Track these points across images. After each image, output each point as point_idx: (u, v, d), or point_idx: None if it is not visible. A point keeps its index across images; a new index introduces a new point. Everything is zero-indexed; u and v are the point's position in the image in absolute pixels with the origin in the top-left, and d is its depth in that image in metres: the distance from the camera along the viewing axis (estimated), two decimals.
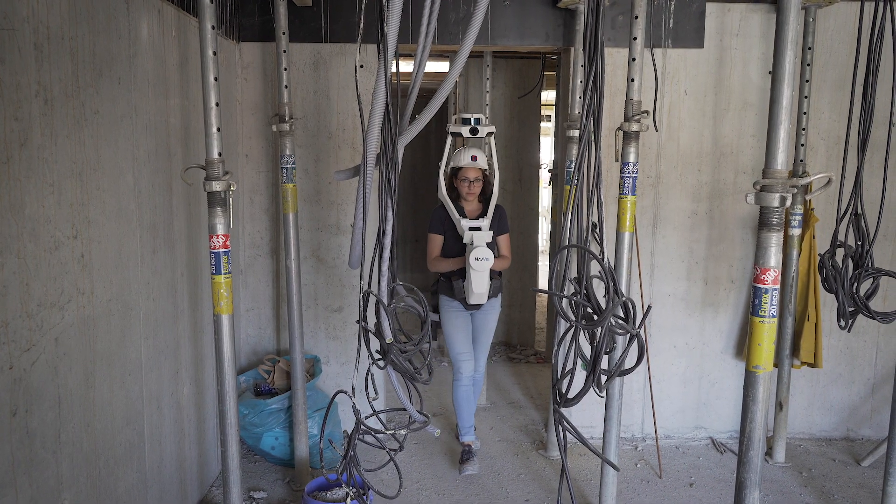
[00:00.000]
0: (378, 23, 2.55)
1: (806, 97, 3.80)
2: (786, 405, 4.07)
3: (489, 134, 3.72)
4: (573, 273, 2.48)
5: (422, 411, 2.72)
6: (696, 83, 4.04)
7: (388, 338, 2.52)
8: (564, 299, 2.19)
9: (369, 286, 2.64)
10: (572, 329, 2.28)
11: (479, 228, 3.60)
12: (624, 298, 2.13)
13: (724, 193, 4.15)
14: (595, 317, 2.14)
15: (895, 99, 2.78)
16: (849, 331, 2.96)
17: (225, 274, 2.56)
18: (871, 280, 2.83)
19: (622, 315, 2.17)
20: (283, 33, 3.41)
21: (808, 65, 3.78)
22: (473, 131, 3.63)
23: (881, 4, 2.68)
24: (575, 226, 2.23)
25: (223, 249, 2.54)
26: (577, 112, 3.87)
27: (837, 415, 4.38)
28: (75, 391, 2.31)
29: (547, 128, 8.23)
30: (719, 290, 4.25)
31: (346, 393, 2.73)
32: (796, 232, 3.86)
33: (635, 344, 2.24)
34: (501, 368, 5.69)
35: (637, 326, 2.24)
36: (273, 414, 3.83)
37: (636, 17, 2.89)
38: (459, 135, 3.64)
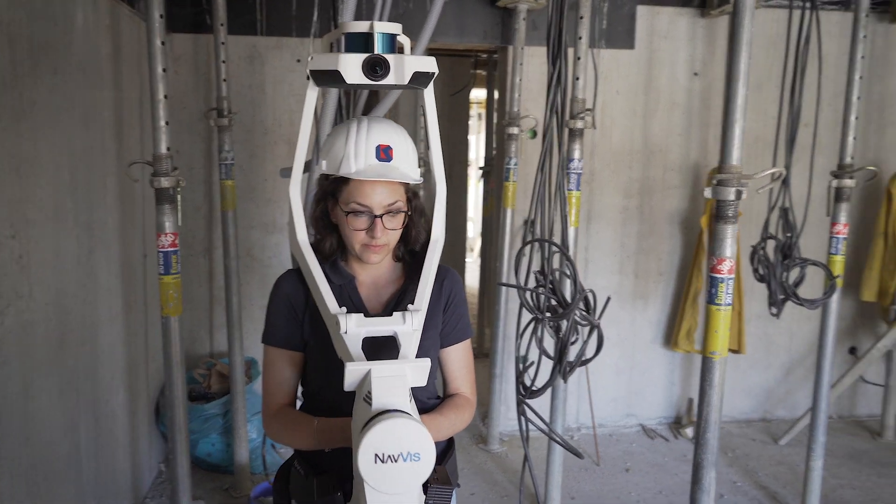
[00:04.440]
0: (331, 17, 2.51)
1: None
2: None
3: (416, 81, 1.47)
4: (524, 268, 2.53)
5: None
6: (627, 83, 4.19)
7: None
8: (527, 292, 2.23)
9: None
10: (534, 322, 2.32)
11: (391, 341, 1.41)
12: (587, 291, 2.19)
13: (654, 190, 4.32)
14: (559, 309, 2.19)
15: (820, 100, 2.98)
16: (777, 317, 3.15)
17: (174, 274, 2.45)
18: (799, 269, 3.02)
19: (584, 307, 2.23)
20: (222, 25, 3.30)
21: None
22: (376, 68, 1.40)
23: (807, 12, 2.86)
24: (539, 221, 2.27)
25: (172, 248, 2.43)
26: (515, 110, 3.93)
27: (756, 398, 4.64)
28: (14, 403, 2.16)
29: (473, 126, 8.31)
30: (649, 282, 4.42)
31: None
32: None
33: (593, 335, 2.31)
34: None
35: (598, 318, 2.30)
36: (210, 419, 3.70)
37: (581, 17, 2.96)
38: (339, 83, 1.42)
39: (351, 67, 1.38)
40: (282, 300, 1.61)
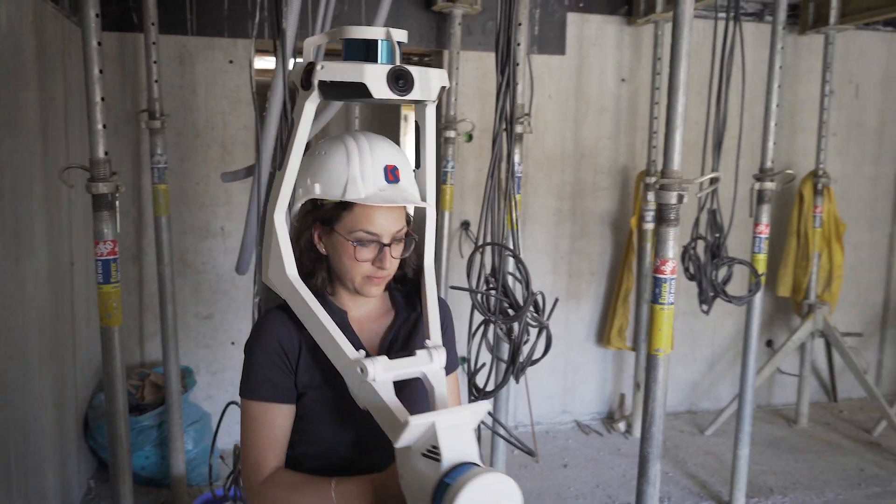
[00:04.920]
0: (274, 18, 2.47)
1: (656, 103, 4.16)
2: (643, 385, 4.44)
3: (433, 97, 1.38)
4: (476, 271, 2.57)
5: None
6: (559, 88, 4.30)
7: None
8: (479, 295, 2.27)
9: (257, 291, 2.55)
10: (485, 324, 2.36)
11: (412, 382, 1.39)
12: (537, 294, 2.25)
13: (585, 192, 4.44)
14: (510, 311, 2.24)
15: (744, 107, 3.15)
16: (708, 314, 3.31)
17: (114, 283, 2.36)
18: (727, 268, 3.18)
19: (533, 309, 2.29)
20: (153, 24, 3.20)
21: (658, 73, 4.15)
22: (400, 82, 1.26)
23: (731, 23, 3.02)
24: (489, 225, 2.31)
25: (111, 256, 2.34)
26: (451, 114, 3.96)
27: (683, 391, 4.84)
28: None
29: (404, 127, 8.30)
30: (581, 282, 4.55)
31: (237, 404, 2.63)
32: (650, 227, 4.24)
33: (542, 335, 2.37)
34: None
35: (546, 319, 2.36)
36: (144, 432, 3.58)
37: (519, 24, 3.02)
38: (359, 97, 1.28)
39: (378, 80, 1.22)
40: (269, 346, 1.37)
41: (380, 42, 1.29)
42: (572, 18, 4.25)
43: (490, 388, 2.37)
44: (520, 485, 3.62)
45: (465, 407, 1.17)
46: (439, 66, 4.24)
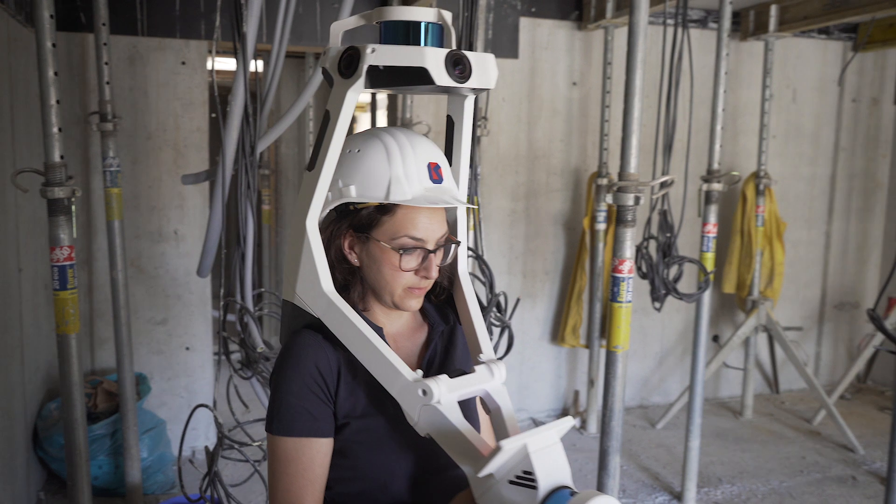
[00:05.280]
0: (233, 20, 2.46)
1: (607, 107, 4.27)
2: (596, 381, 4.55)
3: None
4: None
5: None
6: (512, 91, 4.37)
7: (260, 347, 2.45)
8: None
9: (225, 294, 2.54)
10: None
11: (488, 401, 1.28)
12: (499, 294, 2.29)
13: (539, 193, 4.53)
14: None
15: (692, 111, 3.27)
16: (660, 311, 3.42)
17: (71, 289, 2.31)
18: (677, 266, 3.30)
19: (496, 309, 2.34)
20: (104, 24, 3.13)
21: (609, 78, 4.26)
22: (461, 67, 1.13)
23: (679, 30, 3.13)
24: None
25: (68, 262, 2.29)
26: (407, 116, 3.99)
27: (634, 386, 4.97)
28: None
29: (355, 129, 8.28)
30: (536, 281, 4.63)
31: (207, 406, 2.61)
32: (602, 227, 4.34)
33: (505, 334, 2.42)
34: None
35: (509, 318, 2.42)
36: (98, 441, 3.49)
37: (476, 28, 3.07)
38: (416, 83, 1.13)
39: (439, 65, 1.09)
40: (306, 371, 1.21)
41: (425, 25, 1.16)
42: (525, 23, 4.32)
43: None
44: None
45: (550, 426, 1.08)
46: None
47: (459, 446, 1.10)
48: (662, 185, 2.39)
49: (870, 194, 5.34)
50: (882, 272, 5.34)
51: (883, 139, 5.32)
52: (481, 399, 1.26)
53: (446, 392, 1.12)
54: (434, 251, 1.24)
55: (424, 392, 1.11)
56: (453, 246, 1.28)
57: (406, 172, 1.20)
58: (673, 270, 3.30)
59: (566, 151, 4.54)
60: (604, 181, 4.27)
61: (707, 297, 3.48)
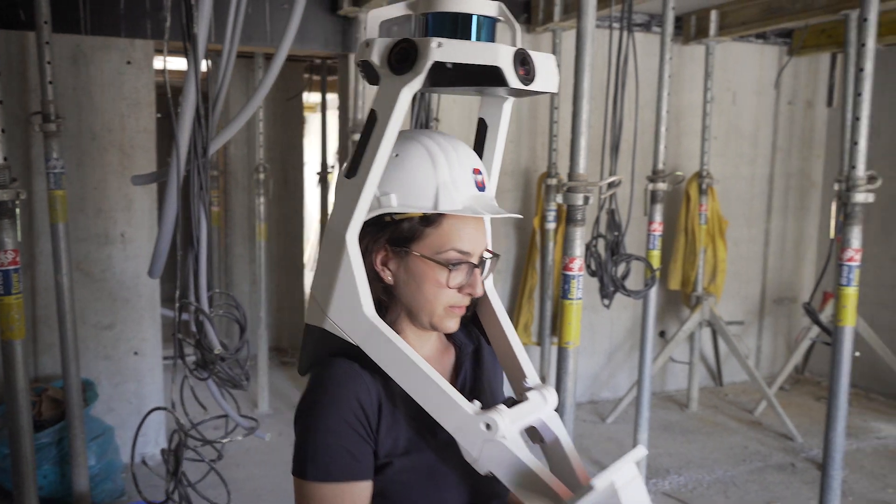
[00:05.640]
0: (183, 20, 2.43)
1: (556, 108, 4.35)
2: (547, 378, 4.63)
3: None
4: None
5: (246, 415, 2.66)
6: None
7: (217, 349, 2.43)
8: None
9: (180, 296, 2.51)
10: None
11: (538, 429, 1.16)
12: None
13: None
14: None
15: (638, 113, 3.37)
16: (609, 308, 3.50)
17: (16, 294, 2.26)
18: (625, 264, 3.39)
19: None
20: (46, 22, 3.06)
21: None
22: (528, 68, 1.04)
23: (625, 32, 3.22)
24: None
25: (13, 266, 2.24)
26: (359, 117, 4.00)
27: (584, 382, 5.08)
28: None
29: (307, 130, 8.21)
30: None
31: (165, 409, 2.58)
32: (552, 226, 4.43)
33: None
34: (278, 374, 5.62)
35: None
36: (43, 449, 3.40)
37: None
38: (482, 83, 1.02)
39: (509, 65, 0.99)
40: (347, 407, 1.07)
41: (477, 18, 1.04)
42: None
43: None
44: None
45: (626, 458, 1.04)
46: (345, 70, 4.27)
47: (531, 485, 1.00)
48: (610, 185, 2.46)
49: (805, 193, 5.57)
50: (817, 268, 5.57)
51: (817, 140, 5.55)
52: (533, 429, 1.12)
53: (510, 424, 1.00)
54: (478, 265, 1.13)
55: (488, 426, 1.00)
56: (491, 259, 1.18)
57: (453, 179, 1.09)
58: (621, 268, 3.39)
59: (516, 152, 4.61)
60: (553, 181, 4.36)
61: (653, 293, 3.59)
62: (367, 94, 4.04)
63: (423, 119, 2.37)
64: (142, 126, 3.78)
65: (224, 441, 2.41)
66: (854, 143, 2.48)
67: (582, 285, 2.38)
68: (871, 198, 2.56)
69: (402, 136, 1.12)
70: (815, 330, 4.77)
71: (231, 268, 5.93)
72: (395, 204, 1.08)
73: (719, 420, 4.84)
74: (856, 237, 2.58)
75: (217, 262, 5.84)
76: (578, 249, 2.34)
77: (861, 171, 2.52)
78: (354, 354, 1.08)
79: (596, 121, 4.07)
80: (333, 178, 5.57)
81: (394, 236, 1.11)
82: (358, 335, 1.06)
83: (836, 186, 2.85)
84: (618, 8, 3.38)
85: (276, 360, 5.94)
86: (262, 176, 4.68)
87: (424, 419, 1.07)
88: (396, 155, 1.09)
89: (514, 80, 1.00)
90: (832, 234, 3.05)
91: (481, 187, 1.13)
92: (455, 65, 0.97)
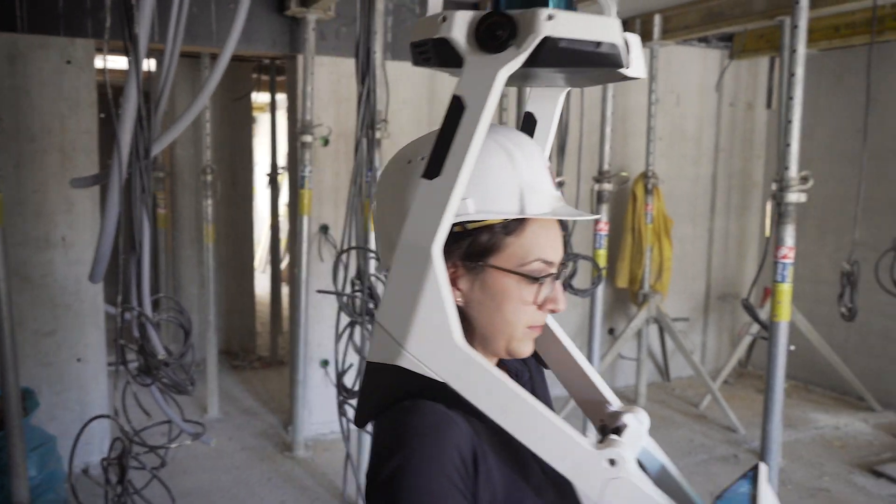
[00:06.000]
0: (123, 19, 2.39)
1: (504, 109, 4.39)
2: None
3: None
4: (341, 275, 2.63)
5: (191, 420, 2.63)
6: (413, 93, 4.43)
7: (160, 354, 2.40)
8: (345, 297, 2.33)
9: (122, 300, 2.47)
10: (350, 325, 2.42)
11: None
12: None
13: None
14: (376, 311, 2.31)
15: (583, 114, 3.43)
16: None
17: None
18: (572, 263, 3.45)
19: None
20: None
21: None
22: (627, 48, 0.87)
23: None
24: (353, 229, 2.38)
25: None
26: (307, 118, 3.98)
27: None
28: None
29: (257, 130, 8.10)
30: None
31: (108, 416, 2.54)
32: None
33: None
34: (227, 377, 5.54)
35: None
36: None
37: (375, 32, 3.11)
38: (585, 63, 0.85)
39: (623, 44, 0.84)
40: (449, 463, 0.87)
41: None
42: None
43: (358, 388, 2.44)
44: None
45: (762, 480, 0.94)
46: (293, 71, 4.24)
47: None
48: (557, 185, 2.50)
49: (747, 192, 5.74)
50: (759, 265, 5.75)
51: (757, 141, 5.73)
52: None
53: (631, 460, 0.87)
54: (559, 276, 0.98)
55: (612, 462, 0.86)
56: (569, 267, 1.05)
57: (534, 178, 0.94)
58: (569, 268, 3.44)
59: None
60: None
61: (601, 291, 3.66)
62: (315, 95, 4.02)
63: (368, 120, 2.37)
64: (83, 127, 3.70)
65: (168, 447, 2.38)
66: (787, 144, 2.57)
67: None
68: (803, 198, 2.66)
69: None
70: (757, 325, 4.93)
71: (179, 270, 5.83)
72: (472, 210, 0.91)
73: (666, 414, 4.95)
74: (789, 235, 2.67)
75: (164, 265, 5.73)
76: None
77: (794, 171, 2.61)
78: (434, 395, 0.89)
79: None
80: (284, 180, 5.53)
81: (469, 249, 0.93)
82: (447, 370, 0.87)
83: (773, 186, 2.95)
84: None
85: (227, 364, 5.86)
86: (209, 177, 4.61)
87: (517, 463, 0.94)
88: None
89: (629, 64, 0.85)
90: (766, 232, 3.16)
91: (557, 187, 0.99)
92: (577, 43, 0.81)
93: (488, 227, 0.93)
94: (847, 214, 4.55)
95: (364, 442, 3.44)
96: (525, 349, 0.99)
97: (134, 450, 2.43)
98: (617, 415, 0.99)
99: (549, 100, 1.05)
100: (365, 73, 2.24)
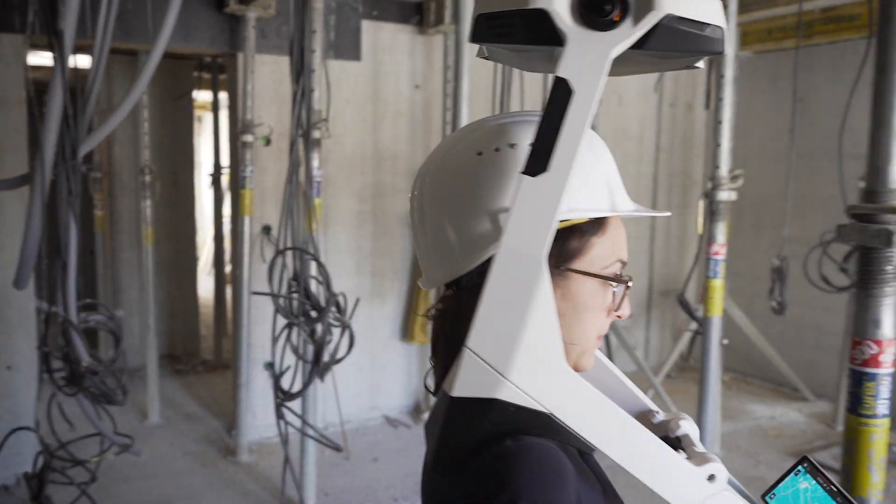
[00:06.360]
0: (48, 14, 2.32)
1: (448, 109, 4.40)
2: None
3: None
4: (277, 276, 2.60)
5: (125, 434, 2.57)
6: (356, 93, 4.40)
7: (85, 361, 2.33)
8: (281, 299, 2.30)
9: (47, 305, 2.40)
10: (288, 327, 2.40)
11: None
12: (338, 295, 2.32)
13: (385, 193, 4.60)
14: (313, 313, 2.30)
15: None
16: None
17: None
18: None
19: (336, 309, 2.37)
20: None
21: (449, 81, 4.39)
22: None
23: None
24: (290, 230, 2.35)
25: None
26: (248, 118, 3.92)
27: None
28: None
29: (198, 129, 7.95)
30: (385, 281, 4.70)
31: (30, 429, 2.46)
32: None
33: (344, 335, 2.46)
34: (170, 382, 5.43)
35: (349, 318, 2.46)
36: None
37: (314, 31, 3.08)
38: (689, 49, 0.74)
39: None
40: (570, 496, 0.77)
41: None
42: (367, 26, 4.37)
43: (296, 389, 2.41)
44: (332, 482, 3.72)
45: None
46: (234, 69, 4.17)
47: None
48: None
49: (687, 191, 5.87)
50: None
51: (697, 141, 5.86)
52: None
53: (724, 470, 0.82)
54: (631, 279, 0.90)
55: (711, 477, 0.81)
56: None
57: (616, 173, 0.88)
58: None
59: (411, 152, 4.64)
60: None
61: None
62: (256, 94, 3.96)
63: (304, 121, 2.34)
64: (11, 126, 3.57)
65: (90, 461, 2.31)
66: (717, 144, 2.64)
67: None
68: (734, 196, 2.73)
69: (521, 121, 0.86)
70: None
71: (118, 274, 5.68)
72: (565, 208, 0.80)
73: None
74: (721, 232, 2.74)
75: (102, 268, 5.58)
76: None
77: (724, 170, 2.68)
78: (528, 428, 0.78)
79: None
80: (226, 180, 5.45)
81: (555, 253, 0.81)
82: (553, 398, 0.78)
83: (709, 185, 3.02)
84: None
85: (169, 368, 5.74)
86: (147, 178, 4.51)
87: (592, 489, 0.85)
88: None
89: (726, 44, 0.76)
90: (699, 230, 3.24)
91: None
92: (692, 26, 0.72)
93: (577, 228, 0.84)
94: (781, 212, 4.70)
95: (307, 446, 3.41)
96: (591, 363, 0.89)
97: (66, 462, 2.36)
98: (668, 424, 0.92)
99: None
100: (300, 71, 2.22)
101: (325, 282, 2.26)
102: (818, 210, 4.91)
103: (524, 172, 0.73)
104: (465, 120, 2.37)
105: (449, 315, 0.86)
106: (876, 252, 1.33)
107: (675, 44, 0.72)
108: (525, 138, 0.83)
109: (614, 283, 0.85)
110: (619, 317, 0.88)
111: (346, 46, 4.32)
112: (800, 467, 0.87)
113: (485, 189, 0.81)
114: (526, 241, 0.73)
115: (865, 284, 1.35)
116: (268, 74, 4.12)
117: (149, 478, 3.91)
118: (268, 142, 4.17)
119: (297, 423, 4.03)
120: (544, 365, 0.75)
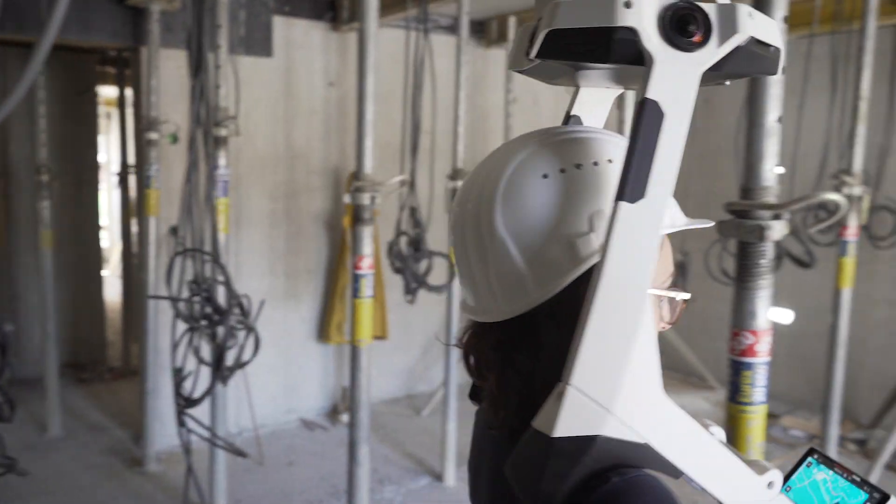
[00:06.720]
0: None
1: None
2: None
3: None
4: (176, 279, 2.51)
5: (6, 455, 2.42)
6: (268, 90, 4.31)
7: None
8: (181, 302, 2.23)
9: None
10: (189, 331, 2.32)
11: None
12: (241, 297, 2.27)
13: (299, 192, 4.52)
14: (215, 316, 2.23)
15: (435, 112, 3.47)
16: (412, 304, 3.59)
17: None
18: (427, 260, 3.48)
19: (240, 312, 2.31)
20: None
21: None
22: None
23: (421, 35, 3.31)
24: (188, 231, 2.28)
25: None
26: (153, 115, 3.79)
27: (400, 377, 5.16)
28: None
29: (103, 126, 7.63)
30: (299, 281, 4.63)
31: None
32: None
33: (250, 338, 2.40)
34: (73, 391, 5.19)
35: (254, 321, 2.40)
36: None
37: (220, 26, 3.00)
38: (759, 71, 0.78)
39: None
40: None
41: None
42: (278, 21, 4.29)
43: (198, 395, 2.34)
44: (244, 489, 3.64)
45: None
46: (138, 64, 4.02)
47: None
48: (401, 183, 2.52)
49: None
50: None
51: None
52: None
53: (780, 476, 0.81)
54: None
55: (770, 485, 0.80)
56: None
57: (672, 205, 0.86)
58: (423, 264, 3.47)
59: (325, 150, 4.59)
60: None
61: (458, 288, 3.71)
62: (161, 90, 3.83)
63: (203, 117, 2.28)
64: None
65: None
66: None
67: (372, 284, 2.41)
68: None
69: (588, 137, 0.84)
70: None
71: (16, 279, 5.38)
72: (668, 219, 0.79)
73: None
74: None
75: None
76: (368, 248, 2.37)
77: None
78: (628, 461, 0.76)
79: (400, 121, 4.17)
80: (132, 179, 5.25)
81: None
82: (651, 428, 0.76)
83: None
84: (417, 11, 3.46)
85: (72, 377, 5.48)
86: (44, 177, 4.29)
87: None
88: (609, 160, 0.81)
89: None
90: None
91: None
92: (760, 47, 0.73)
93: None
94: (687, 208, 4.87)
95: (216, 453, 3.31)
96: None
97: None
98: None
99: (601, 102, 0.94)
100: (198, 66, 2.15)
101: (227, 283, 2.20)
102: (720, 206, 5.11)
103: (620, 199, 0.71)
104: (370, 119, 2.36)
105: (513, 344, 0.82)
106: (751, 246, 1.40)
107: (748, 65, 0.73)
108: (589, 157, 0.81)
109: (675, 297, 0.84)
110: (662, 328, 0.88)
111: (257, 42, 4.23)
112: (810, 458, 0.88)
113: (557, 213, 0.78)
114: (629, 272, 0.71)
115: (742, 277, 1.41)
116: (174, 70, 3.98)
117: (48, 494, 3.72)
118: (175, 140, 4.03)
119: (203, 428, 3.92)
120: (646, 395, 0.74)
